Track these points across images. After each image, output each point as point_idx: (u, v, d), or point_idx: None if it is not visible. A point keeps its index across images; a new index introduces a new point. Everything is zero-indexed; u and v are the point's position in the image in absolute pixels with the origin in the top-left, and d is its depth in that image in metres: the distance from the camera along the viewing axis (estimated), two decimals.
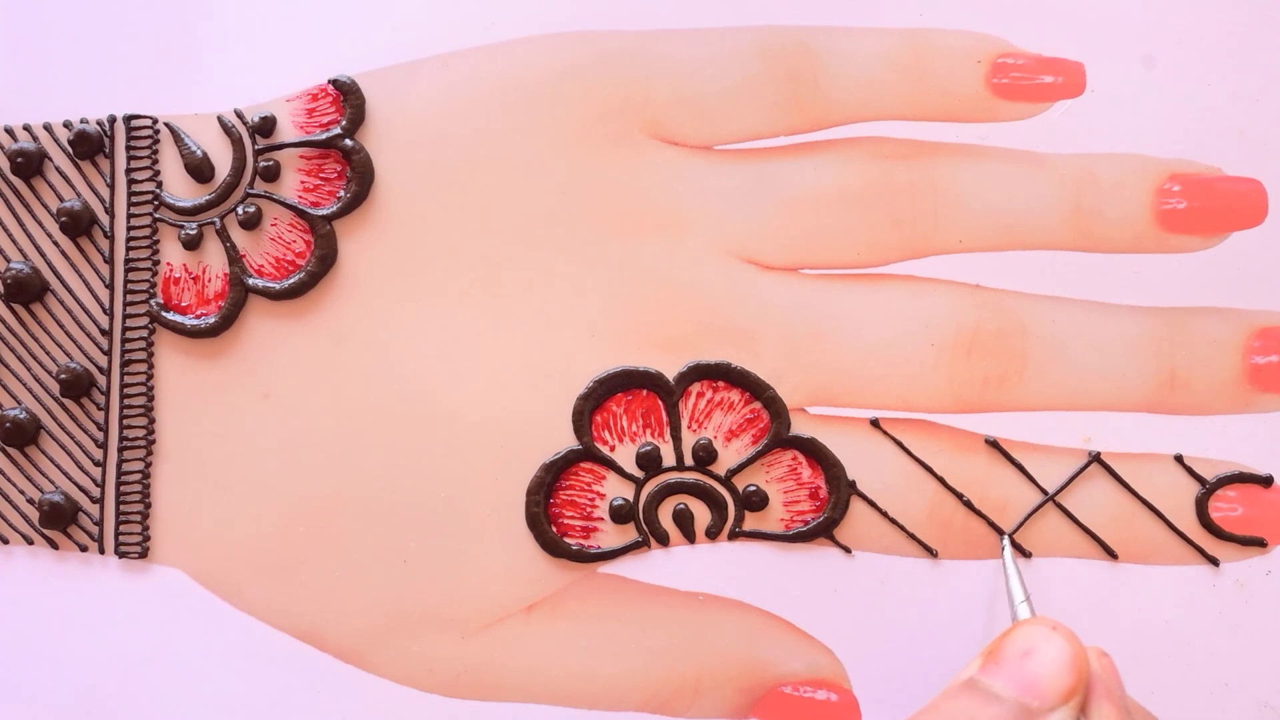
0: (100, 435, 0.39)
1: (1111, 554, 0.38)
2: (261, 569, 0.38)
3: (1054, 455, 0.38)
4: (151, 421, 0.39)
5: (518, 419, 0.38)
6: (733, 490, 0.38)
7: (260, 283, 0.39)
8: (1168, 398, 0.38)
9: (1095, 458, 0.38)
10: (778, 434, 0.38)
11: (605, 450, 0.38)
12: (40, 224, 0.39)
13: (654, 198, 0.39)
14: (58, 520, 0.39)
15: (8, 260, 0.39)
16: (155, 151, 0.39)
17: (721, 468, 0.38)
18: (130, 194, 0.39)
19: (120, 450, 0.39)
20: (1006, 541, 0.37)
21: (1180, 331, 0.38)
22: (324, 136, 0.39)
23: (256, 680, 0.38)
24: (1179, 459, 0.38)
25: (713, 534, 0.38)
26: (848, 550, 0.38)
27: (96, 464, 0.39)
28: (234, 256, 0.39)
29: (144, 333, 0.39)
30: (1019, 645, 0.30)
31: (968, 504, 0.38)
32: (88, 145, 0.39)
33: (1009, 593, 0.35)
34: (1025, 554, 0.38)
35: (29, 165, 0.39)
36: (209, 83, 0.39)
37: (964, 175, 0.38)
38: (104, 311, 0.39)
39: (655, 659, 0.38)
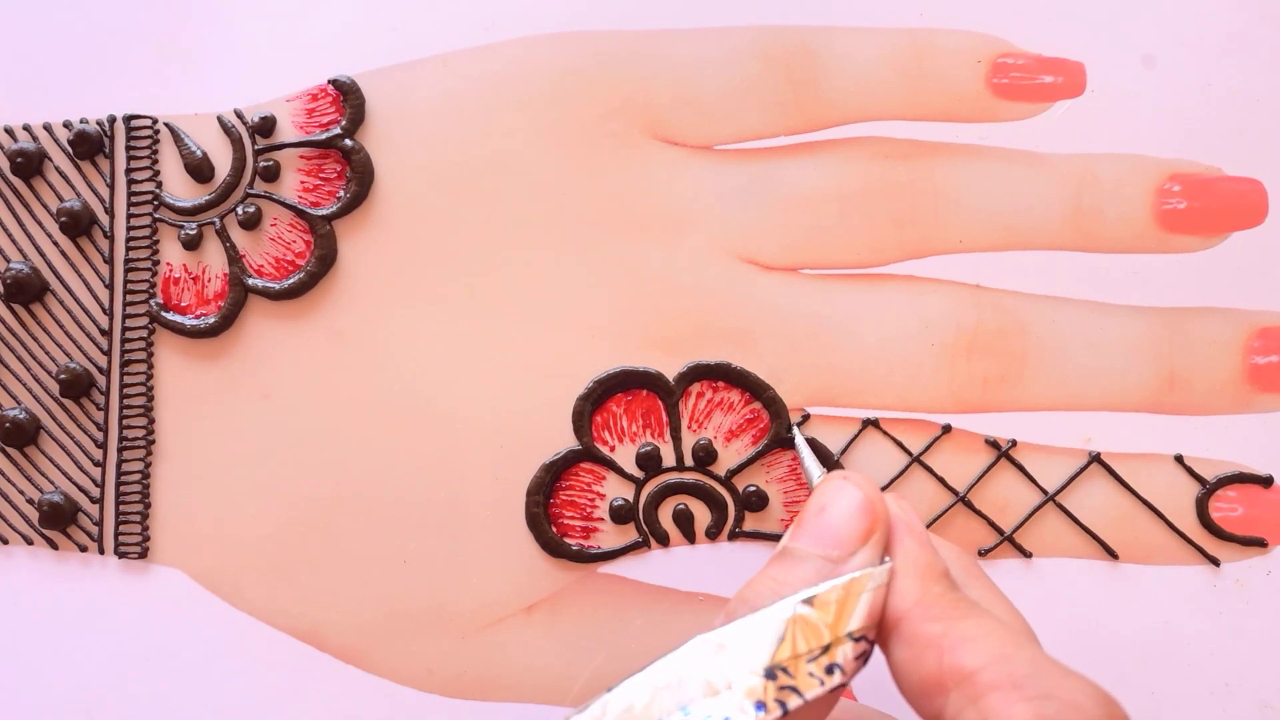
0: (100, 435, 0.39)
1: (1112, 554, 0.38)
2: (261, 569, 0.38)
3: (1054, 455, 0.38)
4: (151, 422, 0.39)
5: (518, 419, 0.38)
6: (733, 490, 0.38)
7: (260, 283, 0.39)
8: (1168, 398, 0.38)
9: (1095, 458, 0.38)
10: (778, 434, 0.38)
11: (605, 450, 0.38)
12: (40, 224, 0.39)
13: (654, 198, 0.39)
14: (57, 520, 0.39)
15: (8, 260, 0.39)
16: (155, 151, 0.39)
17: (721, 468, 0.38)
18: (130, 194, 0.39)
19: (120, 450, 0.39)
20: (795, 430, 0.38)
21: (1180, 331, 0.38)
22: (324, 136, 0.39)
23: (256, 680, 0.38)
24: (1179, 459, 0.38)
25: (713, 534, 0.38)
26: None
27: (96, 464, 0.39)
28: (234, 256, 0.39)
29: (144, 333, 0.39)
30: (816, 503, 0.30)
31: (968, 504, 0.38)
32: (88, 145, 0.39)
33: (806, 475, 0.36)
34: (1025, 554, 0.38)
35: (29, 165, 0.39)
36: (209, 83, 0.39)
37: (964, 175, 0.38)
38: (104, 311, 0.39)
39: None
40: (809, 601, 0.28)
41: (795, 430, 0.38)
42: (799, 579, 0.29)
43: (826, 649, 0.28)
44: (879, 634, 0.29)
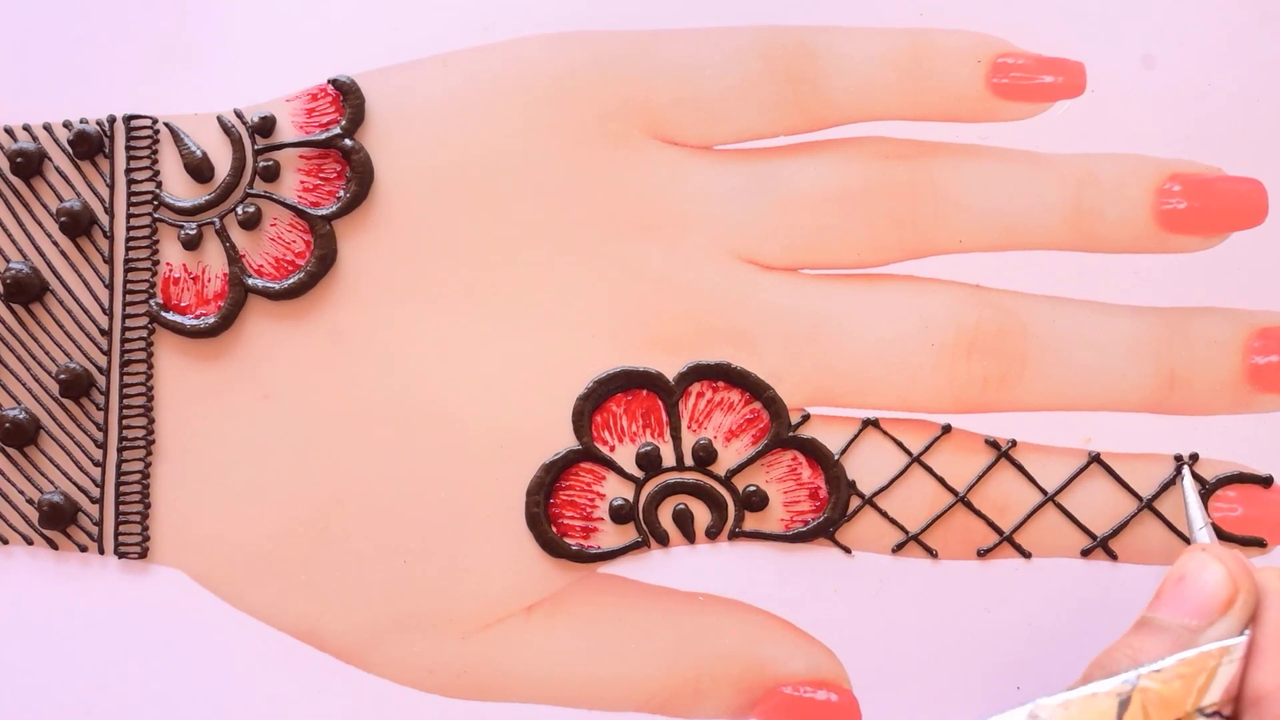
0: (100, 435, 0.39)
1: (1111, 554, 0.38)
2: (261, 569, 0.38)
3: (1054, 455, 0.38)
4: (151, 422, 0.39)
5: (518, 419, 0.38)
6: (733, 490, 0.38)
7: (260, 283, 0.39)
8: (1168, 398, 0.38)
9: (1095, 458, 0.38)
10: (778, 434, 0.38)
11: (605, 450, 0.38)
12: (40, 224, 0.39)
13: (654, 198, 0.39)
14: (57, 520, 0.39)
15: (7, 260, 0.39)
16: (155, 151, 0.39)
17: (721, 468, 0.38)
18: (130, 194, 0.39)
19: (120, 450, 0.39)
20: (1186, 471, 0.37)
21: (1180, 331, 0.38)
22: (323, 136, 0.39)
23: (256, 680, 0.38)
24: (1179, 459, 0.38)
25: (713, 534, 0.38)
26: (848, 550, 0.38)
27: (96, 464, 0.39)
28: (233, 256, 0.39)
29: (143, 333, 0.39)
30: (1175, 573, 0.30)
31: (968, 504, 0.38)
32: (87, 145, 0.39)
33: (1189, 522, 0.35)
34: (1025, 554, 0.38)
35: (29, 165, 0.39)
36: (209, 83, 0.39)
37: (964, 175, 0.38)
38: (103, 312, 0.39)
39: (655, 659, 0.38)
40: (1158, 673, 0.27)
41: (1186, 475, 0.37)
42: (1156, 647, 0.29)
43: None
44: (1236, 709, 0.28)
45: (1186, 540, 0.38)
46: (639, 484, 0.38)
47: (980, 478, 0.38)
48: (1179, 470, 0.37)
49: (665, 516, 0.38)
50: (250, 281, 0.39)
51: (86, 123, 0.39)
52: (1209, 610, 0.29)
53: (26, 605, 0.39)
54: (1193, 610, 0.29)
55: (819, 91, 0.38)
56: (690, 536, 0.39)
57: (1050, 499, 0.38)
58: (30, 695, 0.39)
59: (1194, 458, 0.38)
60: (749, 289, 0.38)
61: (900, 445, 0.38)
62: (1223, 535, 0.38)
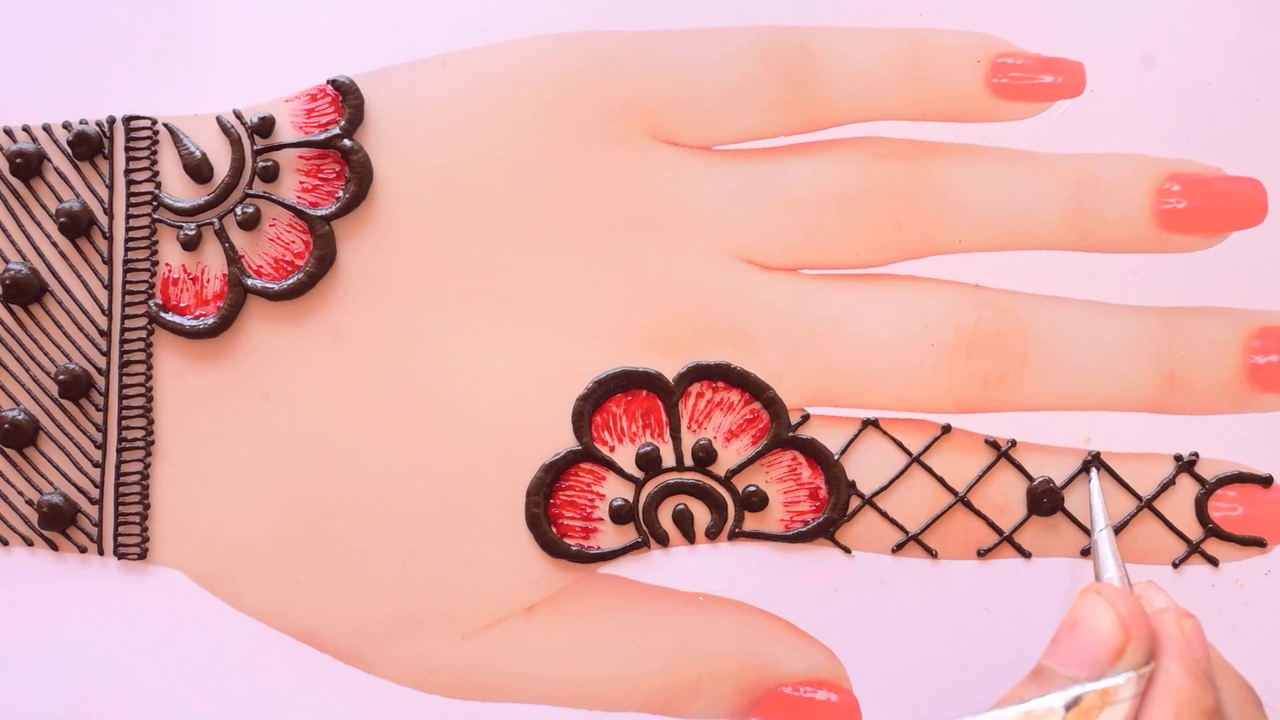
0: (99, 436, 0.39)
1: None
2: (261, 570, 0.38)
3: (1054, 455, 0.38)
4: (150, 422, 0.39)
5: (517, 419, 0.38)
6: (732, 491, 0.38)
7: (259, 283, 0.39)
8: (1168, 398, 0.38)
9: (1095, 458, 0.38)
10: (777, 434, 0.38)
11: (605, 451, 0.38)
12: (39, 225, 0.39)
13: (654, 198, 0.38)
14: (57, 521, 0.39)
15: (6, 261, 0.39)
16: (154, 152, 0.39)
17: (721, 468, 0.38)
18: (129, 195, 0.39)
19: (119, 451, 0.39)
20: (1094, 474, 0.37)
21: (1180, 331, 0.38)
22: (323, 137, 0.39)
23: (256, 680, 0.38)
24: (1179, 459, 0.38)
25: (712, 534, 0.38)
26: (848, 550, 0.38)
27: (95, 465, 0.39)
28: (233, 257, 0.39)
29: (143, 333, 0.39)
30: (1068, 619, 0.29)
31: (968, 504, 0.38)
32: (87, 146, 0.39)
33: (1092, 520, 0.34)
34: (1025, 554, 0.38)
35: (28, 166, 0.39)
36: (208, 83, 0.39)
37: (964, 175, 0.38)
38: (103, 312, 0.39)
39: (655, 659, 0.38)
40: (1030, 715, 0.27)
41: (1094, 476, 0.37)
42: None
43: None
44: None
45: (1186, 540, 0.38)
46: (639, 484, 0.38)
47: (980, 478, 0.38)
48: (1089, 468, 0.37)
49: (665, 517, 0.38)
50: (249, 282, 0.39)
51: (86, 123, 0.39)
52: (1099, 661, 0.28)
53: (26, 605, 0.39)
54: (1082, 661, 0.28)
55: (819, 92, 0.38)
56: (690, 537, 0.39)
57: (1050, 499, 0.38)
58: (30, 695, 0.39)
59: (1194, 457, 0.38)
60: (749, 289, 0.38)
61: (900, 445, 0.38)
62: (1223, 535, 0.38)
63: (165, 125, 0.39)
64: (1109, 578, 0.33)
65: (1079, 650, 0.28)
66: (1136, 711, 0.27)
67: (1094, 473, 0.38)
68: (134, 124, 0.39)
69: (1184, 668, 0.28)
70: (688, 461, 0.38)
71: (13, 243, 0.39)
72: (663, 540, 0.38)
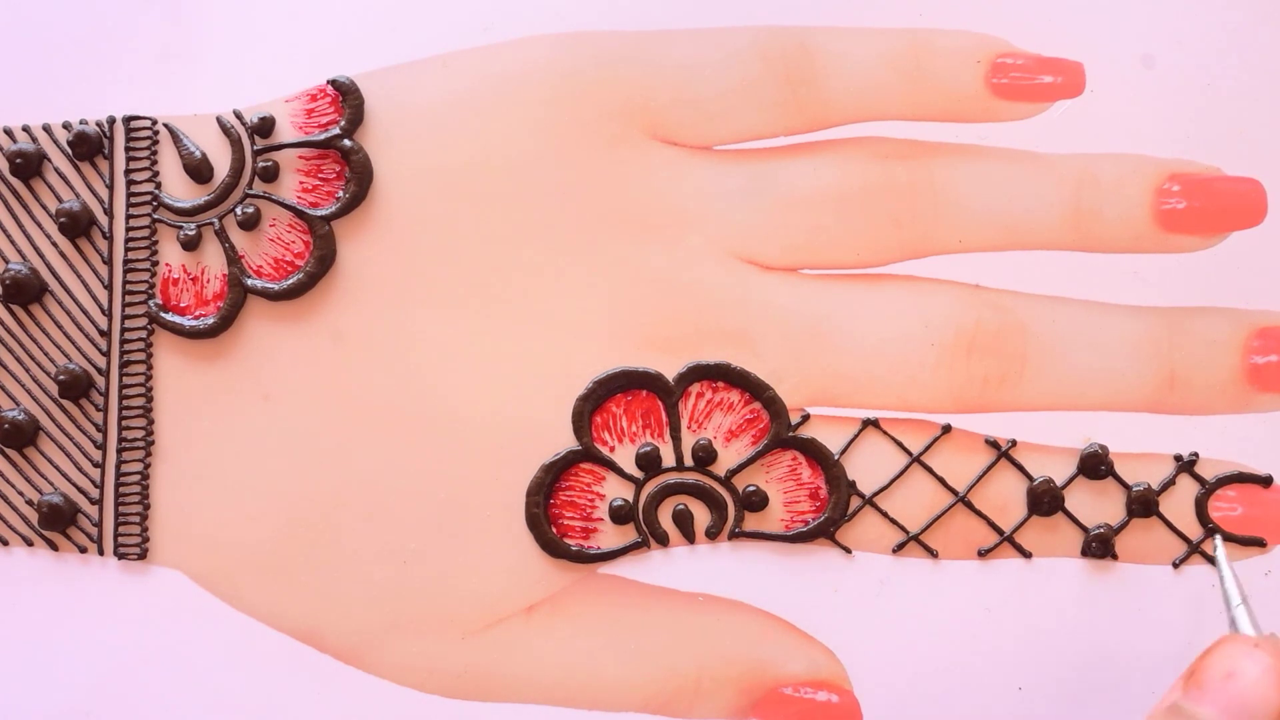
0: (99, 436, 0.39)
1: (1112, 554, 0.38)
2: (261, 570, 0.38)
3: (1054, 455, 0.38)
4: (150, 423, 0.39)
5: (517, 419, 0.38)
6: (732, 491, 0.38)
7: (259, 283, 0.39)
8: (1168, 398, 0.38)
9: (1097, 458, 0.38)
10: (777, 434, 0.38)
11: (605, 451, 0.38)
12: (39, 225, 0.39)
13: (654, 198, 0.38)
14: (57, 521, 0.39)
15: (6, 261, 0.39)
16: (154, 152, 0.39)
17: (721, 468, 0.38)
18: (129, 195, 0.39)
19: (119, 451, 0.39)
20: (1219, 540, 0.37)
21: (1180, 331, 0.38)
22: (323, 137, 0.39)
23: (256, 681, 0.38)
24: (1179, 459, 0.38)
25: (713, 535, 0.38)
26: (848, 550, 0.38)
27: (95, 465, 0.39)
28: (233, 257, 0.39)
29: (143, 334, 0.39)
30: (1221, 667, 0.29)
31: (968, 504, 0.38)
32: (87, 146, 0.39)
33: (1224, 595, 0.34)
34: (1025, 554, 0.38)
35: (28, 166, 0.39)
36: (208, 83, 0.39)
37: (964, 175, 0.38)
38: (103, 312, 0.39)
39: (655, 660, 0.38)
40: None
41: (1219, 546, 0.37)
42: None
43: None
44: None
45: (1185, 539, 0.38)
46: (639, 484, 0.38)
47: (980, 478, 0.38)
48: (1211, 535, 0.37)
49: (665, 517, 0.38)
50: (249, 282, 0.39)
51: (86, 123, 0.39)
52: (1258, 715, 0.28)
53: (26, 605, 0.39)
54: (1242, 712, 0.28)
55: (818, 92, 0.38)
56: (690, 537, 0.39)
57: (1050, 499, 0.38)
58: (30, 695, 0.39)
59: (1194, 457, 0.38)
60: (749, 289, 0.38)
61: (900, 445, 0.38)
62: (1223, 535, 0.38)
63: (165, 125, 0.39)
64: (1242, 623, 0.33)
65: (1237, 703, 0.28)
66: None
67: (1218, 539, 0.37)
68: (134, 124, 0.39)
69: None
70: (688, 461, 0.38)
71: (13, 243, 0.39)
72: (663, 540, 0.38)
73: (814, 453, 0.38)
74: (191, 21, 0.39)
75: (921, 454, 0.38)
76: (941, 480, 0.38)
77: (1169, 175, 0.38)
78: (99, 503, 0.39)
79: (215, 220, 0.39)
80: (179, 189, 0.39)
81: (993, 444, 0.38)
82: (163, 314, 0.39)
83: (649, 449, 0.38)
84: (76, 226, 0.39)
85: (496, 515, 0.38)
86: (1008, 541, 0.38)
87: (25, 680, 0.39)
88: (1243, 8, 0.39)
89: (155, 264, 0.39)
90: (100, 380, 0.39)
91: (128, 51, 0.39)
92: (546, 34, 0.39)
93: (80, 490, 0.39)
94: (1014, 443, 0.38)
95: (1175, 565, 0.38)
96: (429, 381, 0.38)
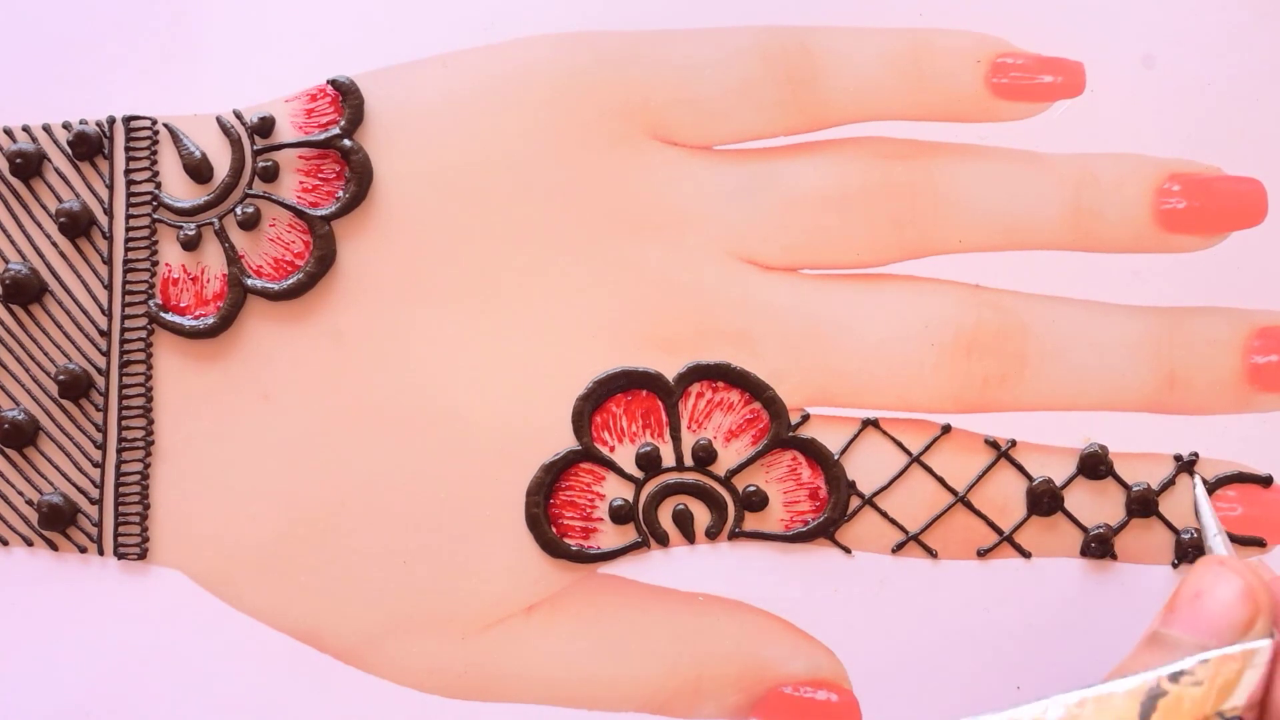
0: (99, 436, 0.39)
1: (1111, 554, 0.38)
2: (261, 570, 0.38)
3: (1054, 455, 0.38)
4: (150, 422, 0.39)
5: (517, 419, 0.38)
6: (732, 491, 0.38)
7: (259, 283, 0.39)
8: (1168, 398, 0.38)
9: (1097, 458, 0.38)
10: (777, 434, 0.38)
11: (605, 451, 0.38)
12: (39, 225, 0.39)
13: (654, 198, 0.38)
14: (57, 521, 0.39)
15: (6, 261, 0.39)
16: (154, 152, 0.39)
17: (721, 468, 0.38)
18: (129, 195, 0.39)
19: (119, 451, 0.39)
20: (1198, 479, 0.37)
21: (1180, 331, 0.38)
22: (323, 137, 0.39)
23: (256, 681, 0.38)
24: (1179, 459, 0.38)
25: (713, 534, 0.38)
26: (848, 550, 0.38)
27: (95, 465, 0.39)
28: (233, 257, 0.39)
29: (143, 334, 0.39)
30: (1191, 588, 0.29)
31: (968, 504, 0.38)
32: (87, 146, 0.39)
33: (1203, 531, 0.34)
34: (1025, 554, 0.38)
35: (28, 166, 0.39)
36: (208, 83, 0.39)
37: (964, 175, 0.38)
38: (103, 312, 0.39)
39: (655, 660, 0.38)
40: (1177, 678, 0.27)
41: (1198, 483, 0.36)
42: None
43: None
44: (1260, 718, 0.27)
45: (1183, 538, 0.38)
46: (639, 484, 0.38)
47: (980, 478, 0.38)
48: (1187, 473, 0.37)
49: (665, 517, 0.38)
50: (249, 282, 0.39)
51: (86, 123, 0.39)
52: (1228, 630, 0.28)
53: (26, 605, 0.39)
54: (1210, 630, 0.28)
55: (818, 92, 0.38)
56: (690, 537, 0.39)
57: (1050, 499, 0.38)
58: (30, 695, 0.39)
59: (1194, 457, 0.38)
60: (749, 289, 0.38)
61: (900, 445, 0.38)
62: (1199, 476, 0.38)
63: (165, 125, 0.39)
64: (1219, 549, 0.33)
65: (1206, 619, 0.28)
66: (1270, 678, 0.27)
67: (1197, 479, 0.37)
68: (134, 124, 0.39)
69: None
70: (688, 461, 0.38)
71: (13, 243, 0.39)
72: (663, 540, 0.38)
73: (814, 453, 0.38)
74: (192, 21, 0.39)
75: (921, 454, 0.38)
76: (941, 480, 0.38)
77: (1169, 175, 0.38)
78: (99, 503, 0.39)
79: (215, 220, 0.39)
80: (179, 189, 0.39)
81: (992, 444, 0.38)
82: (163, 314, 0.39)
83: (649, 449, 0.38)
84: (76, 226, 0.39)
85: (496, 515, 0.38)
86: (1007, 541, 0.38)
87: (25, 680, 0.39)
88: (1243, 8, 0.39)
89: (155, 264, 0.39)
90: (100, 380, 0.39)
91: (128, 51, 0.39)
92: (546, 34, 0.39)
93: (80, 490, 0.39)
94: (1014, 443, 0.38)
95: (1175, 565, 0.38)
96: (429, 381, 0.38)
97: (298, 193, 0.39)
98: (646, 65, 0.38)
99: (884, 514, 0.38)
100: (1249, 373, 0.38)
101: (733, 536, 0.38)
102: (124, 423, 0.39)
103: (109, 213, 0.39)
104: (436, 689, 0.38)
